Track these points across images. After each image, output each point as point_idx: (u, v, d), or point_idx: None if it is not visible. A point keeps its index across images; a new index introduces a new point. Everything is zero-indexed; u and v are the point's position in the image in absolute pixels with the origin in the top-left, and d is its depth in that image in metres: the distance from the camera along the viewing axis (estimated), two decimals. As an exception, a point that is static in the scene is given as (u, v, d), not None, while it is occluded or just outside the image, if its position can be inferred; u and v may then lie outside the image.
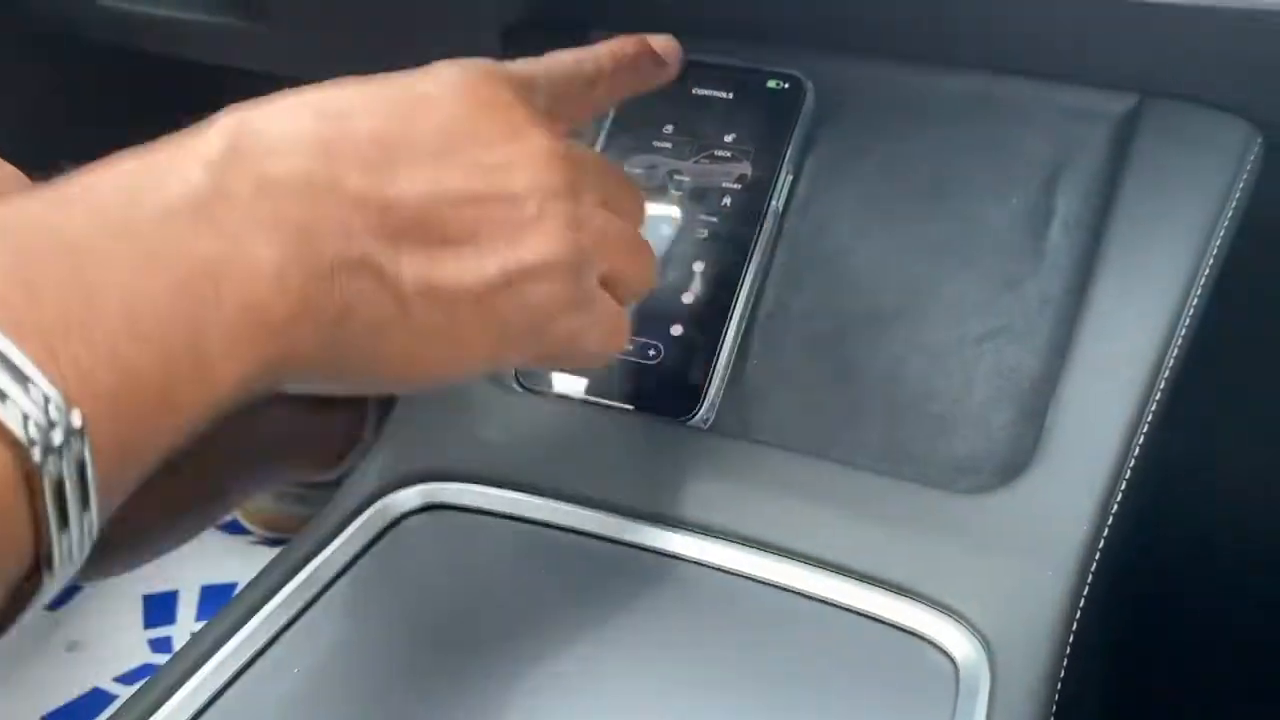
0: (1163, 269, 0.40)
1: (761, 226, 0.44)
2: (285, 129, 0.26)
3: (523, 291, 0.29)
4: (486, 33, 0.51)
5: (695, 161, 0.46)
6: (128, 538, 0.59)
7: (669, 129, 0.46)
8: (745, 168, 0.45)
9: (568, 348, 0.32)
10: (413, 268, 0.27)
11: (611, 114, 0.47)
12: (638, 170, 0.46)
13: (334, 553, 0.39)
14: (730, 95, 0.46)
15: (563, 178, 0.30)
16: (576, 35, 0.49)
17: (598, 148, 0.47)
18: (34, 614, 0.22)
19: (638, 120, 0.47)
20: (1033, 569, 0.36)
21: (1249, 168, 0.42)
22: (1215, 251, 0.41)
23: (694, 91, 0.47)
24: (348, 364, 0.27)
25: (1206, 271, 0.40)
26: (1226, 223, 0.41)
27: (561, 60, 0.35)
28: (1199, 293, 0.40)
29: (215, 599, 0.81)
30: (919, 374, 0.41)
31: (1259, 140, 0.42)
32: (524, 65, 0.33)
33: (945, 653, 0.35)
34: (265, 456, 0.71)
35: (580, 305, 0.31)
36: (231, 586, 0.81)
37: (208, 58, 0.67)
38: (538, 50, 0.49)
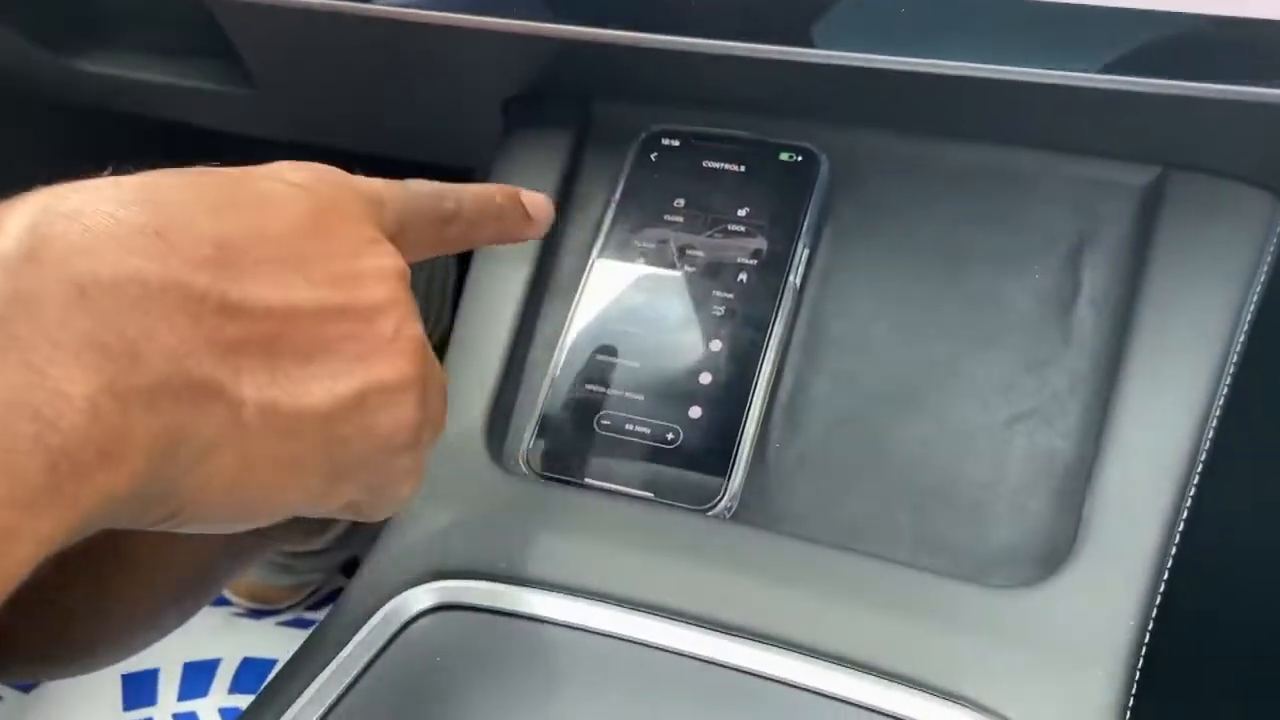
0: (1195, 346, 0.39)
1: (780, 303, 0.43)
2: (110, 217, 0.22)
3: (374, 414, 0.26)
4: (487, 103, 0.50)
5: (709, 236, 0.44)
6: (116, 630, 0.56)
7: (680, 203, 0.45)
8: (760, 242, 0.44)
9: (395, 489, 0.29)
10: (254, 385, 0.24)
11: (621, 187, 0.46)
12: (649, 244, 0.45)
13: (345, 661, 0.37)
14: (742, 168, 0.45)
15: (411, 299, 0.28)
16: (578, 106, 0.48)
17: (606, 222, 0.45)
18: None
19: (647, 194, 0.46)
20: (1080, 669, 0.34)
21: (1275, 239, 0.41)
22: (1246, 327, 0.40)
23: (704, 164, 0.46)
24: (169, 497, 0.23)
25: (1238, 347, 0.40)
26: (1256, 296, 0.40)
27: (420, 189, 0.32)
28: (1231, 369, 0.39)
29: (198, 676, 0.78)
30: (948, 458, 0.40)
31: (1284, 209, 0.41)
32: (375, 182, 0.30)
33: (992, 759, 0.33)
34: (255, 532, 0.68)
35: (419, 439, 0.28)
36: (215, 663, 0.78)
37: (199, 121, 0.65)
38: (542, 121, 0.49)
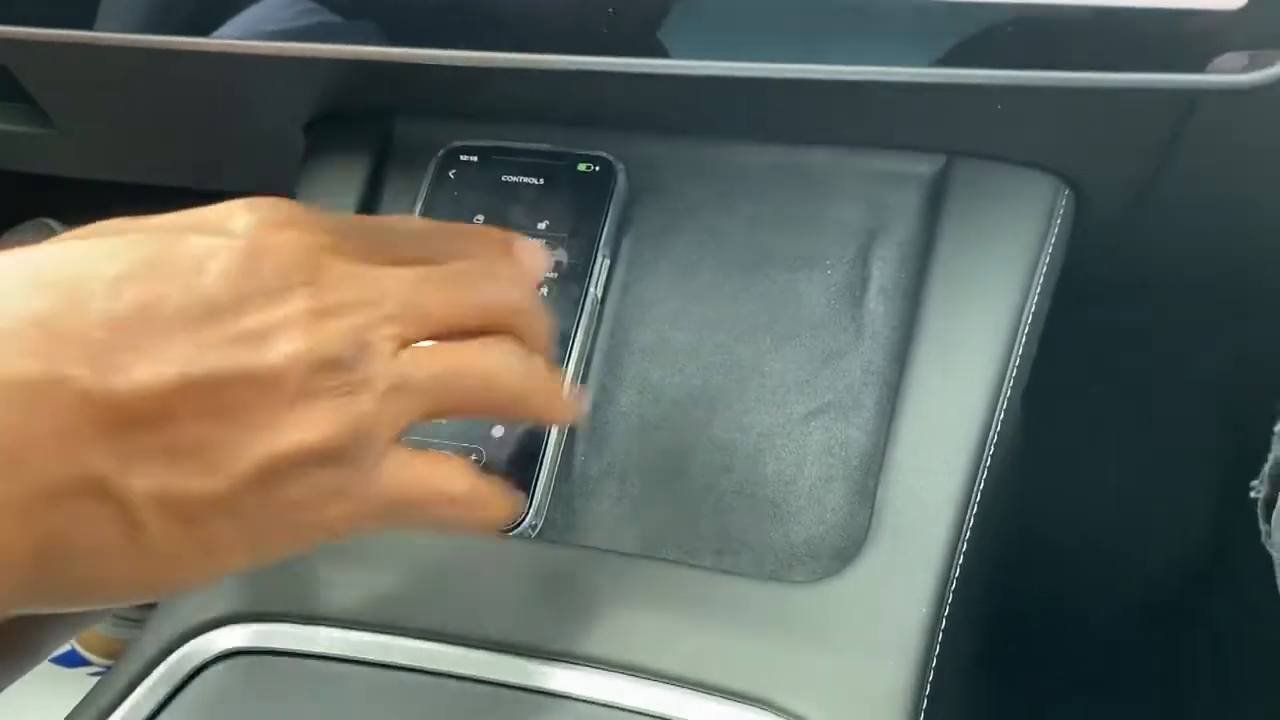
0: (982, 330, 0.40)
1: (581, 315, 0.42)
2: None
3: (282, 488, 0.24)
4: (288, 128, 0.49)
5: (509, 251, 0.44)
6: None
7: (479, 218, 0.44)
8: (560, 255, 0.43)
9: (340, 531, 0.26)
10: (146, 479, 0.22)
11: (419, 204, 0.45)
12: (450, 263, 0.44)
13: (130, 710, 0.36)
14: (540, 181, 0.45)
15: (341, 334, 0.25)
16: (379, 125, 0.47)
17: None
18: None
19: (446, 210, 0.45)
20: (872, 658, 0.34)
21: (1059, 221, 0.42)
22: (1033, 307, 0.40)
23: (503, 179, 0.45)
24: (63, 590, 0.22)
25: (1026, 329, 0.40)
26: (1042, 278, 0.41)
27: (415, 227, 0.31)
28: (1020, 350, 0.40)
29: (54, 741, 0.74)
30: (749, 458, 0.40)
31: (1066, 193, 0.42)
32: (346, 216, 0.29)
33: (790, 759, 0.33)
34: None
35: (360, 483, 0.26)
36: (71, 726, 0.75)
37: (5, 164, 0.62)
38: (342, 142, 0.48)
